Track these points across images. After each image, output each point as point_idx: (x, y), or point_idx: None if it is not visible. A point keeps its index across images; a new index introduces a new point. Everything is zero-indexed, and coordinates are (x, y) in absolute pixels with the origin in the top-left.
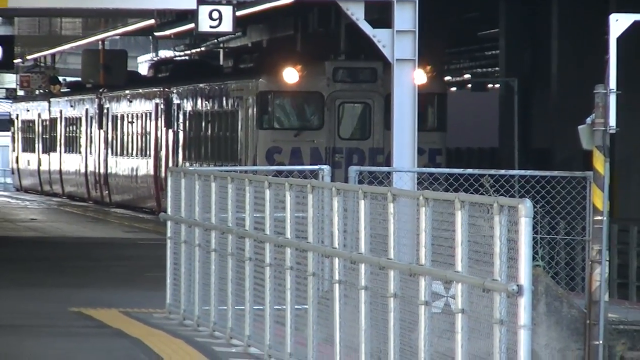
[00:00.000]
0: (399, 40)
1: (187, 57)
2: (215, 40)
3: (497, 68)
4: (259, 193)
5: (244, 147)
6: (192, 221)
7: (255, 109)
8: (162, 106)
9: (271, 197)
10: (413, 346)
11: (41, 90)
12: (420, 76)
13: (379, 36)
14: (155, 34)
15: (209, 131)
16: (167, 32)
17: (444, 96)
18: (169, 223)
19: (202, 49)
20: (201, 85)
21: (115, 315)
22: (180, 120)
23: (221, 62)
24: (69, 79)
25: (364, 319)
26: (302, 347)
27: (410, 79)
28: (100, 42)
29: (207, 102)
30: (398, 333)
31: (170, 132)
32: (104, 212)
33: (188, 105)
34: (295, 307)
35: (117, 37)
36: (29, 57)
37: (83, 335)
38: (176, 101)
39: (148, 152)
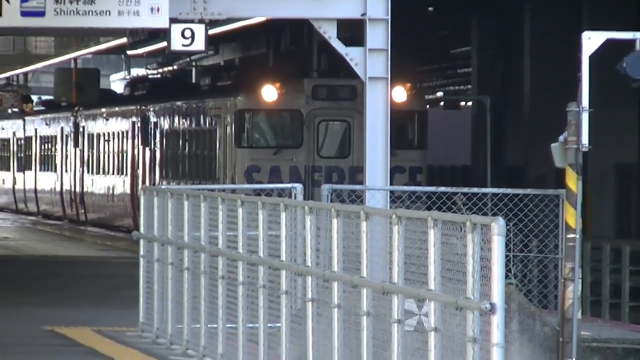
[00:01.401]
0: (371, 59)
1: (163, 75)
2: (188, 59)
3: (469, 86)
4: (232, 211)
5: (222, 165)
6: (165, 240)
7: (233, 127)
8: (138, 124)
9: (244, 215)
10: None
11: (14, 109)
12: (400, 94)
13: (352, 54)
14: (128, 52)
15: (187, 149)
16: (140, 51)
17: (425, 114)
18: (141, 241)
19: (175, 67)
20: (178, 103)
21: (88, 333)
22: (157, 138)
23: (194, 80)
24: (43, 97)
25: (336, 338)
26: None
27: (383, 96)
28: (72, 61)
29: (184, 121)
30: (371, 351)
31: (147, 150)
32: (78, 231)
33: (165, 124)
34: (268, 325)
35: (90, 55)
36: (1, 76)
37: (56, 354)
38: (153, 119)
39: (125, 171)
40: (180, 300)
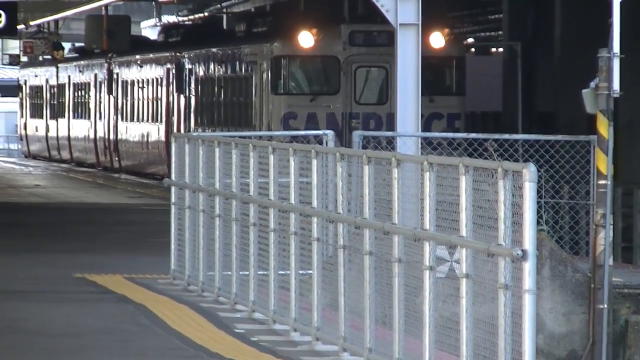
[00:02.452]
0: (402, 5)
1: (198, 22)
2: (219, 5)
3: (500, 32)
4: (263, 158)
5: (259, 112)
6: (196, 187)
7: (269, 74)
8: (173, 71)
9: (275, 162)
10: (418, 311)
11: (45, 57)
12: (437, 39)
13: (382, 1)
14: None
15: (222, 96)
16: None
17: (463, 59)
18: (173, 189)
19: (206, 14)
20: (214, 49)
21: (119, 281)
22: (192, 85)
23: (225, 27)
24: (77, 44)
25: (368, 284)
26: (306, 313)
27: (414, 43)
28: (103, 8)
29: (219, 67)
30: (403, 298)
31: (182, 97)
32: (110, 178)
33: (200, 70)
34: (300, 272)
35: (120, 2)
36: (32, 23)
37: (87, 301)
38: (188, 66)
39: (159, 118)
40: (211, 248)
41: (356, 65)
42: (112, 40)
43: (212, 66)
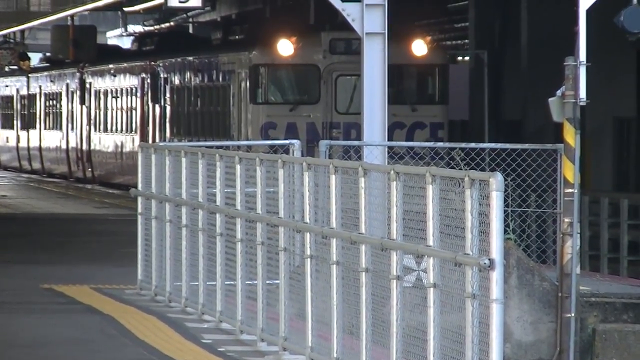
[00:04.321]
0: (368, 14)
1: (166, 30)
2: (185, 15)
3: (466, 40)
4: (230, 168)
5: (237, 122)
6: (163, 197)
7: (248, 83)
8: (148, 80)
9: (242, 172)
10: (385, 320)
11: (11, 67)
12: (420, 47)
13: (349, 10)
14: (125, 9)
15: (199, 106)
16: (137, 7)
17: (446, 67)
18: (139, 199)
19: (172, 23)
20: (190, 58)
21: (86, 291)
22: (168, 94)
23: (192, 35)
24: (47, 54)
25: (335, 294)
26: (273, 322)
27: (380, 52)
28: (69, 18)
29: (196, 76)
30: (370, 307)
31: (157, 107)
32: (79, 189)
33: (176, 79)
34: (267, 282)
35: (86, 12)
36: None
37: (55, 312)
38: (163, 75)
39: (133, 128)
40: (178, 258)
41: (337, 73)
42: (79, 50)
43: (188, 75)
